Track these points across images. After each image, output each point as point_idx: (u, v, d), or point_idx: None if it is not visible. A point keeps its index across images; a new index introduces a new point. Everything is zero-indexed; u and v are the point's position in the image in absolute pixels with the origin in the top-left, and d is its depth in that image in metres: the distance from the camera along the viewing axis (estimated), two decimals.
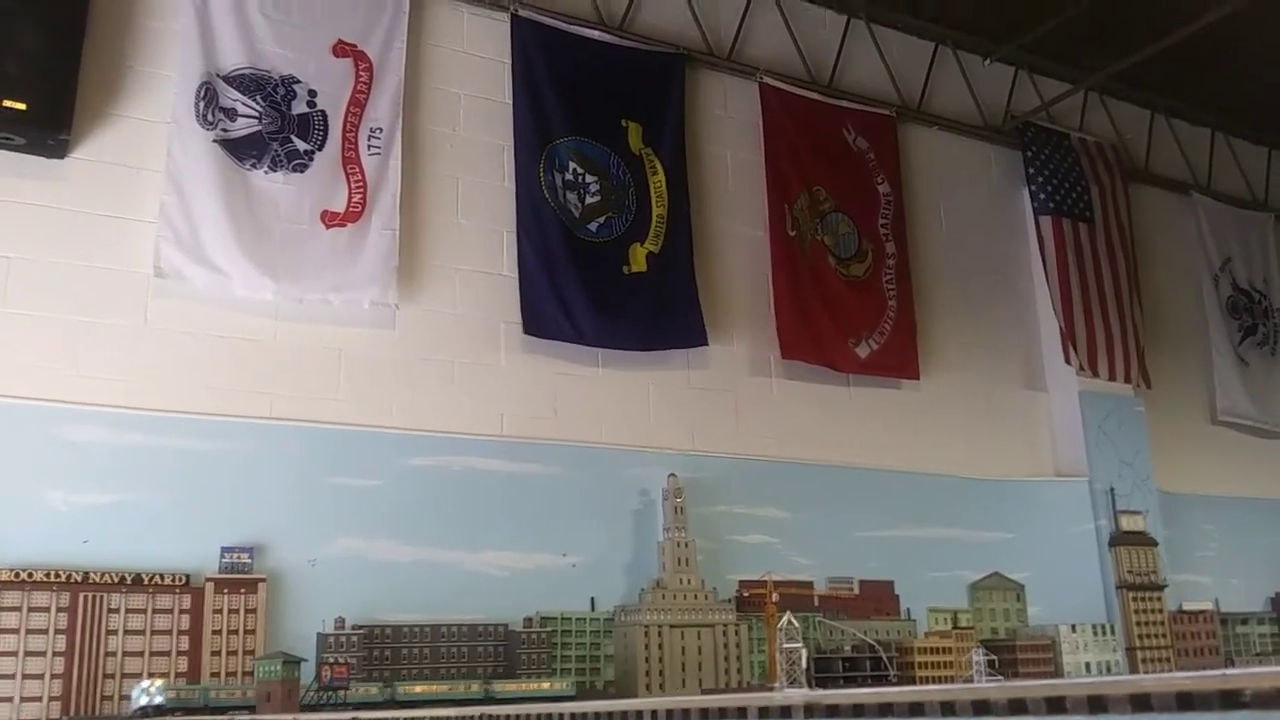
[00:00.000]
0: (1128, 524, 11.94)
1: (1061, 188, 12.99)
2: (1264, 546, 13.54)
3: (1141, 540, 11.91)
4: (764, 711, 1.50)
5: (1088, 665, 10.83)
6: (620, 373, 9.99)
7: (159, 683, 6.75)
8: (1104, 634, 11.08)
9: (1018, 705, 1.10)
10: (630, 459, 9.73)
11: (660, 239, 10.41)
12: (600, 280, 9.99)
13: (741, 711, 1.55)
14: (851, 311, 11.35)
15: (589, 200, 10.23)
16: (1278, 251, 15.42)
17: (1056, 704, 1.10)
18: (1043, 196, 12.85)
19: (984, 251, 12.81)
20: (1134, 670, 11.22)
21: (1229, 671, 1.03)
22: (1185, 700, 1.02)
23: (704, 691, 8.50)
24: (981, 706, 1.22)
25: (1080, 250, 12.88)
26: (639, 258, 10.31)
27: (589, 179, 10.28)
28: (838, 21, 12.33)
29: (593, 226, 10.17)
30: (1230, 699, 0.98)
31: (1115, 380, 12.62)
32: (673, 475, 9.53)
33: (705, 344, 10.36)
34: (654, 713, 1.79)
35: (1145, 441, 12.59)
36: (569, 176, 10.16)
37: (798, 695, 1.49)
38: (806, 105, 11.74)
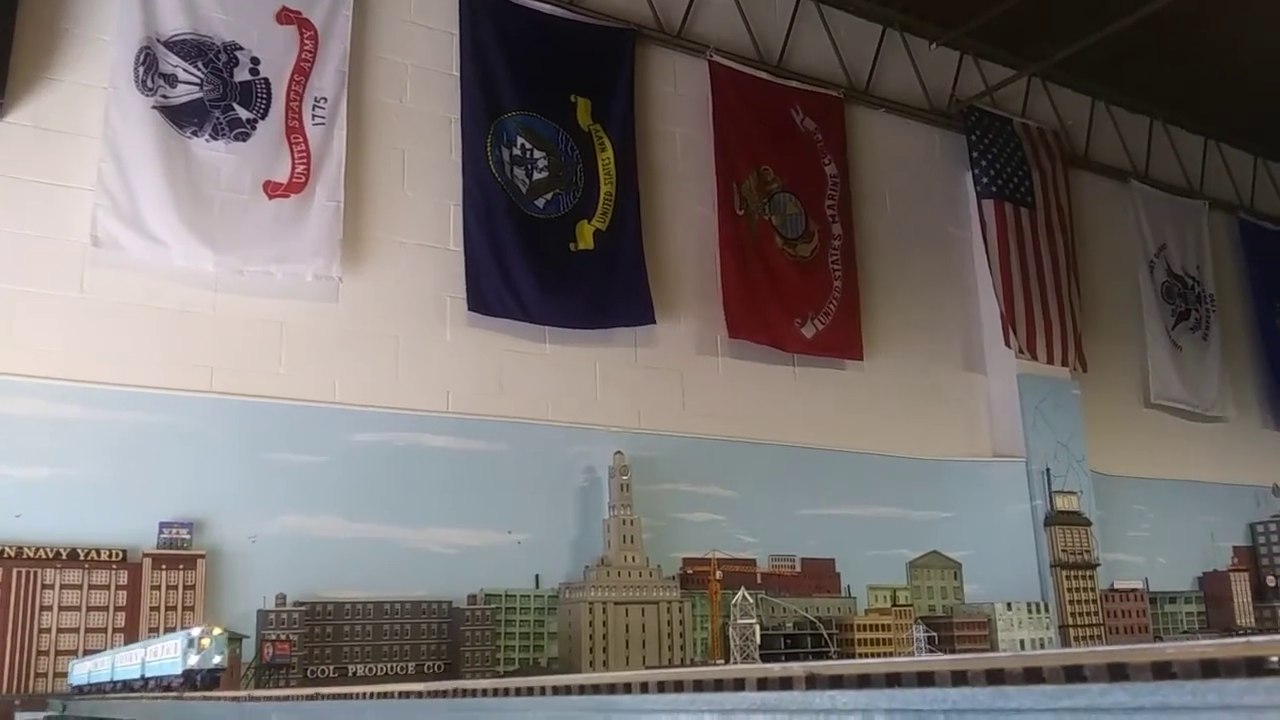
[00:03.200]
0: (1063, 504, 12.17)
1: (1004, 172, 13.13)
2: (1193, 527, 13.88)
3: (1076, 520, 12.14)
4: (763, 683, 1.48)
5: (1022, 642, 11.02)
6: (567, 350, 9.94)
7: (218, 631, 4.79)
8: (1038, 612, 11.29)
9: (1074, 672, 1.10)
10: (576, 436, 9.70)
11: (608, 216, 10.36)
12: (547, 257, 9.92)
13: (739, 683, 1.54)
14: (798, 291, 11.40)
15: (536, 176, 10.14)
16: (1211, 239, 15.74)
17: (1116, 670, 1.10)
18: (985, 180, 12.99)
19: (927, 234, 12.92)
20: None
21: (1252, 639, 1.03)
22: (1210, 668, 1.02)
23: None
24: (996, 675, 1.21)
25: (1021, 234, 13.05)
26: (586, 235, 10.25)
27: (537, 154, 10.19)
28: (787, 1, 12.32)
29: (540, 203, 10.08)
30: (1255, 666, 0.99)
31: (1053, 363, 12.83)
32: (619, 453, 9.52)
33: (653, 322, 10.35)
34: (644, 684, 1.77)
35: (1081, 424, 12.82)
36: (517, 151, 10.06)
37: (797, 667, 1.48)
38: (756, 84, 11.73)
